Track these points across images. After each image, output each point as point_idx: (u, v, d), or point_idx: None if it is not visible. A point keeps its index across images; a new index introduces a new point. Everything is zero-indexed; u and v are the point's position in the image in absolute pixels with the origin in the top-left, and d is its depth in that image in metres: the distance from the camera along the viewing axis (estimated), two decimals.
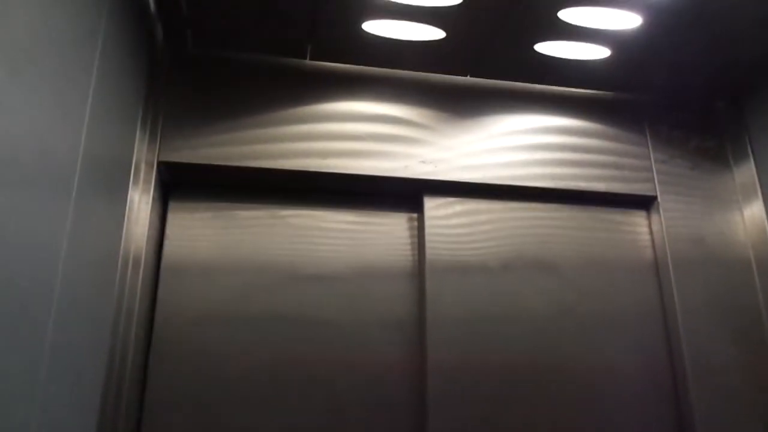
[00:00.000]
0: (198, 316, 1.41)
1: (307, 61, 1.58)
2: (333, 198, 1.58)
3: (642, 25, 1.42)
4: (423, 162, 1.55)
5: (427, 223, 1.55)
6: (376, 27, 1.44)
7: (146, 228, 1.33)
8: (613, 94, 1.76)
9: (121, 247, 1.23)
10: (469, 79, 1.68)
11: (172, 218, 1.48)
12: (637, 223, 1.70)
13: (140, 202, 1.33)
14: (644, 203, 1.69)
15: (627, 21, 1.41)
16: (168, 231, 1.47)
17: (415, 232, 1.59)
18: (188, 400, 1.35)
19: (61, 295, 0.88)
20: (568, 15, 1.38)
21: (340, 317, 1.47)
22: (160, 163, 1.40)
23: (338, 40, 1.49)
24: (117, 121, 1.17)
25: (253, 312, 1.44)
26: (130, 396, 1.26)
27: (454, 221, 1.57)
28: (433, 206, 1.57)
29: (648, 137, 1.72)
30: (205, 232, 1.48)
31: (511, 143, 1.63)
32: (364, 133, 1.55)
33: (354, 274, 1.52)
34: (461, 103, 1.64)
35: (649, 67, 1.60)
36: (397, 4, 1.33)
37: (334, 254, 1.53)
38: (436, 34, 1.45)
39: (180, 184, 1.50)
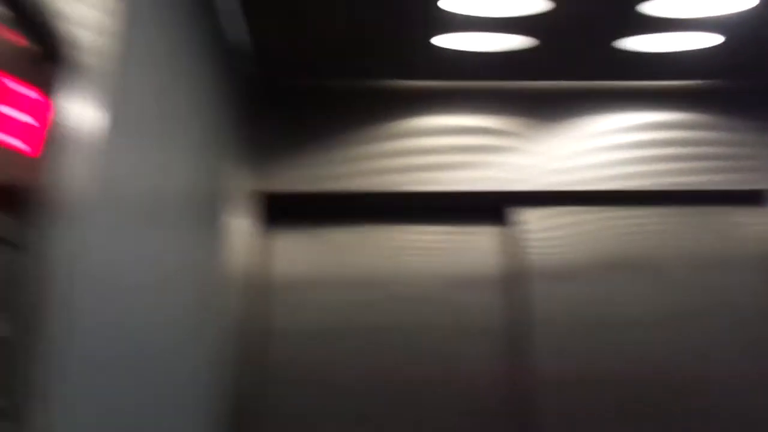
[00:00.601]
0: (304, 332, 1.47)
1: (396, 81, 1.59)
2: (425, 214, 1.58)
3: (757, 7, 1.29)
4: (513, 170, 1.52)
5: (523, 232, 1.52)
6: (457, 41, 1.42)
7: (250, 255, 1.41)
8: (723, 82, 1.60)
9: (227, 275, 1.30)
10: (557, 83, 1.61)
11: (273, 244, 1.55)
12: (752, 219, 1.54)
13: (242, 232, 1.40)
14: (759, 198, 1.54)
15: (740, 3, 1.29)
16: (271, 257, 1.53)
17: (511, 241, 1.55)
18: (308, 411, 1.41)
19: (172, 322, 0.95)
20: (660, 7, 1.29)
21: (436, 328, 1.48)
22: (258, 194, 1.48)
23: (423, 58, 1.48)
24: (215, 155, 1.24)
25: (360, 326, 1.48)
26: (248, 410, 1.33)
27: (551, 229, 1.53)
28: (529, 215, 1.53)
29: (762, 128, 1.57)
30: (305, 256, 1.54)
31: (608, 143, 1.56)
32: (452, 146, 1.54)
33: (449, 286, 1.52)
34: (550, 108, 1.58)
35: (764, 52, 1.46)
36: (481, 17, 1.31)
37: (429, 268, 1.54)
38: (527, 42, 1.41)
39: (278, 212, 1.56)
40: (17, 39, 0.49)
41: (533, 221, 1.53)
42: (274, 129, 1.54)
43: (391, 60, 1.51)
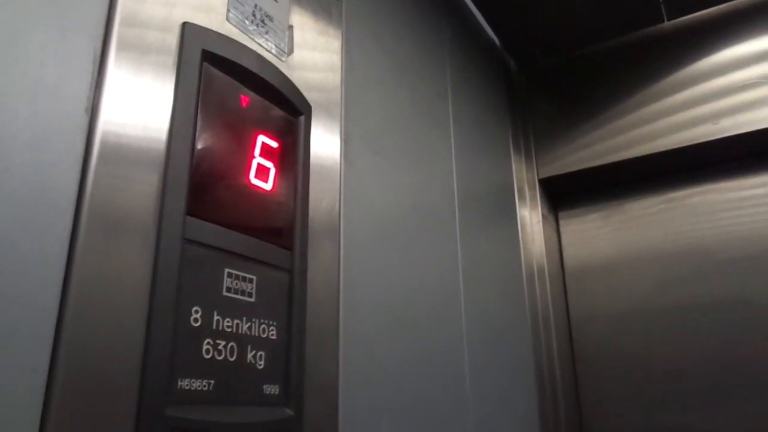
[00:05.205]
0: (613, 317, 1.39)
1: (666, 23, 1.41)
2: (737, 164, 1.35)
3: None
4: None
5: None
6: None
7: (542, 243, 1.40)
8: None
9: (523, 264, 1.33)
10: None
11: (565, 227, 1.52)
12: None
13: (531, 221, 1.42)
14: None
15: None
16: (564, 241, 1.51)
17: None
18: (622, 398, 1.35)
19: (469, 321, 1.01)
20: None
21: None
22: (540, 181, 1.46)
23: None
24: (485, 152, 1.28)
25: (669, 305, 1.34)
26: (566, 402, 1.33)
27: None
28: None
29: None
30: (600, 234, 1.47)
31: None
32: (757, 76, 1.27)
33: None
34: None
35: None
36: None
37: (754, 226, 1.30)
38: None
39: (565, 194, 1.53)
40: (269, 105, 0.62)
41: None
42: (543, 112, 1.52)
43: None
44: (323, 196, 0.69)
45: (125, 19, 0.49)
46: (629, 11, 1.37)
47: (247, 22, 0.62)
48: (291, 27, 0.69)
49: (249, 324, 0.52)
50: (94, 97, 0.45)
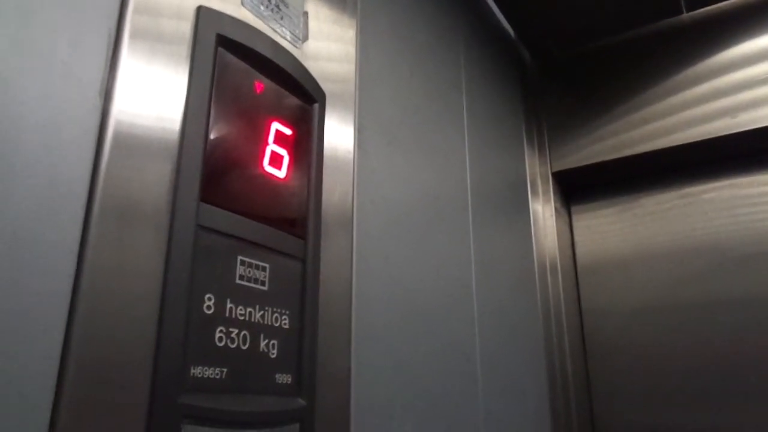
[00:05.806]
0: (625, 312, 1.38)
1: (684, 15, 1.39)
2: (755, 158, 1.32)
3: None
4: None
5: None
6: None
7: (555, 238, 1.39)
8: None
9: (535, 259, 1.31)
10: None
11: (578, 222, 1.50)
12: None
13: (544, 215, 1.40)
14: None
15: None
16: (576, 235, 1.49)
17: None
18: (634, 394, 1.34)
19: (481, 315, 1.01)
20: None
21: None
22: (554, 174, 1.44)
23: None
24: (499, 144, 1.27)
25: (683, 302, 1.33)
26: (578, 397, 1.32)
27: None
28: None
29: None
30: (614, 229, 1.45)
31: None
32: None
33: None
34: None
35: None
36: None
37: None
38: None
39: (579, 189, 1.51)
40: (283, 92, 0.61)
41: None
42: (557, 104, 1.50)
43: None
44: (336, 186, 0.68)
45: (140, 1, 0.48)
46: (648, 3, 1.35)
47: (262, 7, 0.61)
48: (306, 13, 0.68)
49: (262, 312, 0.52)
50: (108, 80, 0.45)
